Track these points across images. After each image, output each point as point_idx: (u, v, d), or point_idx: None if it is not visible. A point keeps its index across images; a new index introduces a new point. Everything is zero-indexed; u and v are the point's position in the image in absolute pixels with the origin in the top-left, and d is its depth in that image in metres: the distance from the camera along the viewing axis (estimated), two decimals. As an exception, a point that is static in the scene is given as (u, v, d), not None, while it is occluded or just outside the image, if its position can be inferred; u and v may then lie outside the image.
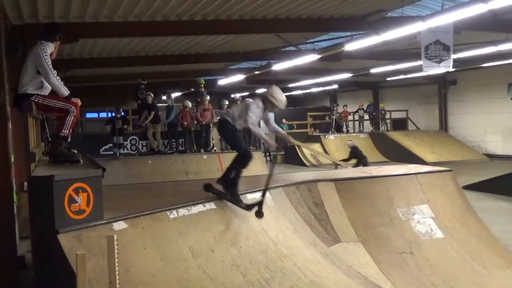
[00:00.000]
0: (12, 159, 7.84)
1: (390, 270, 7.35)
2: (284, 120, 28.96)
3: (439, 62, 14.77)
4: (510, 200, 13.70)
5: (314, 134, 28.62)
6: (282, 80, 30.61)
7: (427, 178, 9.14)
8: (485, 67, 23.40)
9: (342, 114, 30.37)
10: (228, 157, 17.44)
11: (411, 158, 22.21)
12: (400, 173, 9.44)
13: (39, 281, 5.43)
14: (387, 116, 30.02)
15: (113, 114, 17.47)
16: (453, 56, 15.23)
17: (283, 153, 22.67)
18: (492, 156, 25.73)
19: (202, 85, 19.01)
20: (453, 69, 17.88)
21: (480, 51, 18.24)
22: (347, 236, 7.78)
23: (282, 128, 28.72)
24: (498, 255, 8.20)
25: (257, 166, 17.71)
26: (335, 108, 30.54)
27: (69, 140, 6.21)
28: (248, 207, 6.74)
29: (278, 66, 20.54)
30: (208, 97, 18.51)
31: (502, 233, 9.43)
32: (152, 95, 17.68)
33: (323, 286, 6.26)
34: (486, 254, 8.08)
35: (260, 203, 6.74)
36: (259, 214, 6.70)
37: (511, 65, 22.37)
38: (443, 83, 29.02)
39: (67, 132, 6.03)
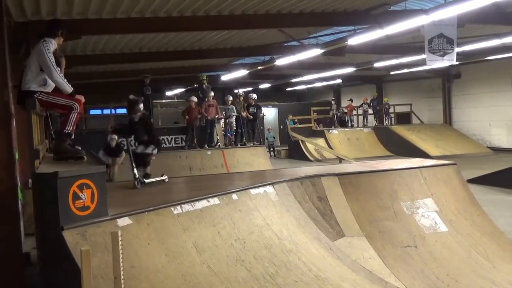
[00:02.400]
0: (17, 156, 7.86)
1: (394, 264, 7.35)
2: (290, 116, 29.03)
3: (443, 55, 14.74)
4: (515, 194, 13.69)
5: (318, 128, 28.62)
6: (285, 75, 30.62)
7: (431, 171, 9.12)
8: (489, 60, 23.32)
9: (348, 109, 30.39)
10: (232, 153, 17.64)
11: (415, 152, 22.18)
12: (404, 167, 9.42)
13: (45, 277, 5.45)
14: (391, 110, 29.98)
15: None
16: (457, 49, 15.19)
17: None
18: (496, 150, 25.67)
19: (205, 81, 19.05)
20: (457, 63, 17.87)
21: (484, 44, 18.16)
22: (351, 230, 7.78)
23: (286, 124, 28.79)
24: (503, 248, 8.19)
25: (261, 161, 17.81)
26: (333, 103, 30.63)
27: (73, 136, 6.22)
28: None
29: (281, 61, 20.53)
30: (212, 93, 18.54)
31: (507, 226, 9.43)
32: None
33: (328, 281, 6.27)
34: (490, 247, 8.07)
35: None
36: None
37: (516, 58, 22.33)
38: (447, 76, 28.96)
39: (71, 128, 6.05)
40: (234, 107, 18.96)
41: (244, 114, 18.67)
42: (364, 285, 6.56)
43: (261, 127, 25.02)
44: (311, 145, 25.60)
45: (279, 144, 30.72)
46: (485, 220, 8.71)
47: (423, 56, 15.84)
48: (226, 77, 26.69)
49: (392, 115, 29.97)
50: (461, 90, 28.76)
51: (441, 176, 9.07)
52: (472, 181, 13.79)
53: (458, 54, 15.78)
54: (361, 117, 30.76)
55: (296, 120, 29.72)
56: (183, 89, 32.20)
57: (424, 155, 20.93)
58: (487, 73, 26.27)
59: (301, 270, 6.28)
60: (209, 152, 17.42)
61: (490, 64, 24.73)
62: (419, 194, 8.59)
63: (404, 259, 7.48)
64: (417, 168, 9.17)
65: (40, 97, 6.01)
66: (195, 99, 18.27)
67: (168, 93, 33.05)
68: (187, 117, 18.05)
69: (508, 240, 8.50)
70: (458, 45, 15.56)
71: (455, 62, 15.81)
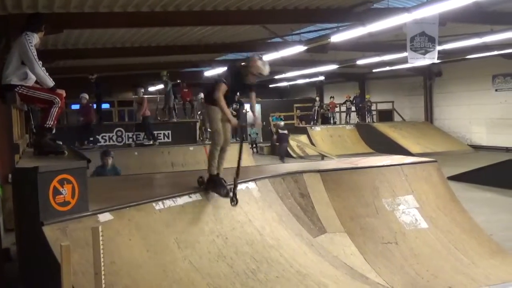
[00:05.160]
0: (-4, 151, 7.78)
1: (375, 260, 7.41)
2: (277, 113, 29.16)
3: (424, 53, 14.85)
4: (494, 191, 13.86)
5: (301, 125, 28.69)
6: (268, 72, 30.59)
7: (412, 169, 9.19)
8: (470, 59, 23.52)
9: (330, 106, 30.45)
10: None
11: (397, 149, 22.30)
12: (386, 164, 9.48)
13: (24, 273, 5.41)
14: (373, 107, 30.14)
15: None
16: (438, 47, 15.31)
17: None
18: (476, 147, 25.94)
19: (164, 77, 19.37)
20: (438, 61, 17.99)
21: (465, 43, 18.31)
22: (333, 226, 7.82)
23: (269, 121, 28.65)
24: (482, 244, 8.29)
25: (243, 157, 17.80)
26: (317, 100, 30.73)
27: (54, 131, 6.17)
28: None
29: (264, 58, 20.46)
30: (142, 90, 19.01)
31: (486, 223, 9.54)
32: None
33: (309, 277, 6.29)
34: (470, 243, 8.17)
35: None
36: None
37: (496, 57, 22.51)
38: (428, 74, 29.17)
39: (52, 123, 5.99)
40: None
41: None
42: (345, 281, 6.60)
43: (244, 124, 24.97)
44: (294, 142, 25.65)
45: (261, 141, 30.73)
46: (464, 217, 8.81)
47: (405, 54, 15.93)
48: (209, 73, 26.61)
49: (374, 112, 30.15)
50: (442, 88, 29.00)
51: (422, 173, 9.16)
52: (453, 178, 13.94)
53: (439, 52, 15.91)
54: (343, 114, 30.89)
55: (282, 117, 29.83)
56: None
57: (405, 152, 21.08)
58: (468, 72, 26.50)
59: (282, 266, 6.30)
60: (191, 148, 17.42)
61: (471, 62, 24.95)
62: (400, 191, 8.66)
63: (385, 255, 7.54)
64: (398, 165, 9.24)
65: (20, 91, 5.94)
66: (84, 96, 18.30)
67: (151, 89, 32.83)
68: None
69: (487, 237, 8.61)
70: (440, 43, 15.69)
71: (436, 60, 15.94)
